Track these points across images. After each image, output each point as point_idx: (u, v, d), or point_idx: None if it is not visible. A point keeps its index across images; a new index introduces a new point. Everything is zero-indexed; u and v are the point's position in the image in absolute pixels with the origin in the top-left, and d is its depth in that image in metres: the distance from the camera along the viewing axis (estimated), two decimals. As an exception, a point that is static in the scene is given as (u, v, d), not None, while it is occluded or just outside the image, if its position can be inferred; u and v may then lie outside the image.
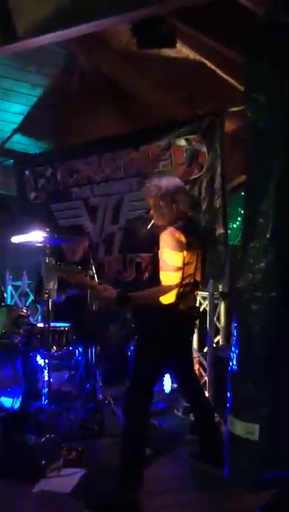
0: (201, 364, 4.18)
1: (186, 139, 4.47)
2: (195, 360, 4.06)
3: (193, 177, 4.37)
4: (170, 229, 2.53)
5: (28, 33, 2.71)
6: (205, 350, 3.96)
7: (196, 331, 4.04)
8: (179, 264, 2.45)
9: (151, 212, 2.75)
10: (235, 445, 1.63)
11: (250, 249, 1.62)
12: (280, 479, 1.56)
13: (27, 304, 5.46)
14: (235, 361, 1.65)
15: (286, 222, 1.59)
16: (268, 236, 1.58)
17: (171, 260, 2.45)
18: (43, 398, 3.72)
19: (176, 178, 2.81)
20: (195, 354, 4.04)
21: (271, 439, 1.55)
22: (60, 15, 2.59)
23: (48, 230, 3.32)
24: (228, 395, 1.71)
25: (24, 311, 3.88)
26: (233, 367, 1.67)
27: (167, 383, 4.19)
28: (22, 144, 6.06)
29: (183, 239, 2.48)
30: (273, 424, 1.56)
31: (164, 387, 4.19)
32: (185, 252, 2.48)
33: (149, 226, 2.83)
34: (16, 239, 3.65)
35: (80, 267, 2.79)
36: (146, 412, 2.60)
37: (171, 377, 4.02)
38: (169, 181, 2.71)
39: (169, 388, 4.20)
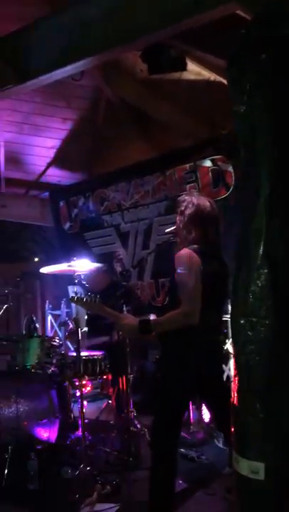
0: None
1: (211, 160, 4.43)
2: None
3: (221, 197, 4.30)
4: (184, 250, 2.45)
5: (40, 71, 2.81)
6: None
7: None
8: (196, 285, 2.34)
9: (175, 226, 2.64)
10: (241, 486, 1.48)
11: (242, 271, 1.50)
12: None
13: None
14: (236, 393, 1.51)
15: (278, 239, 1.44)
16: (260, 256, 1.45)
17: (187, 282, 2.35)
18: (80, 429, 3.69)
19: (213, 205, 2.55)
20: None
21: (278, 479, 1.39)
22: (67, 50, 2.66)
23: (74, 259, 3.35)
24: (232, 429, 1.57)
25: (57, 340, 3.89)
26: (234, 399, 1.53)
27: (206, 412, 4.02)
28: (56, 176, 6.25)
29: (197, 260, 2.39)
30: (279, 462, 1.40)
31: (204, 416, 4.02)
32: (200, 274, 2.38)
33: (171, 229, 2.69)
34: (44, 269, 3.70)
35: (98, 297, 2.72)
36: (173, 443, 2.48)
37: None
38: (204, 206, 2.52)
39: (209, 417, 4.03)
